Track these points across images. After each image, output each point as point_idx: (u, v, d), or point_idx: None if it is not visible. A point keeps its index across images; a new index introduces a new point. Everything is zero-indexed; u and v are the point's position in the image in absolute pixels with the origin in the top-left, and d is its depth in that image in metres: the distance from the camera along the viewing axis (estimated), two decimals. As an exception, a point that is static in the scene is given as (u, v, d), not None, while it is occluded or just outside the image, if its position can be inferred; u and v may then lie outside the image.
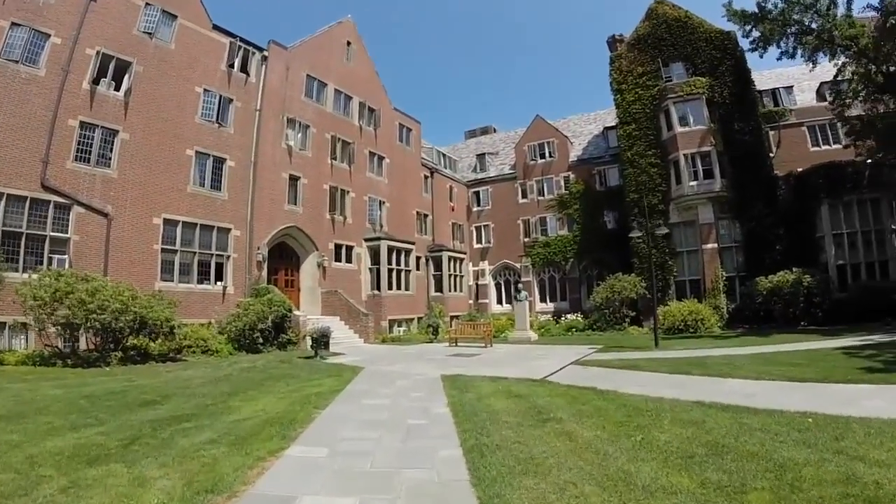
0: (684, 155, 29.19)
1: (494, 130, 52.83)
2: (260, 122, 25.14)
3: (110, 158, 19.68)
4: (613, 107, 40.77)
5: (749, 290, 25.87)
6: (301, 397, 9.63)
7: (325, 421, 7.79)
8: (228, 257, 22.95)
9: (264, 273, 24.17)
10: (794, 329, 22.59)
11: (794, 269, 24.13)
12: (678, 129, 29.66)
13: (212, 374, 13.27)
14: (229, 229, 23.16)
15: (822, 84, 31.64)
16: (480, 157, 45.46)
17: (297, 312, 22.55)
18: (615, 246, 33.25)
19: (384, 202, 32.80)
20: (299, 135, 27.32)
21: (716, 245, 28.48)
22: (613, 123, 38.11)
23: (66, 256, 17.86)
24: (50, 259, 17.39)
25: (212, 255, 22.38)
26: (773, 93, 33.01)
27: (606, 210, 35.93)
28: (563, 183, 39.20)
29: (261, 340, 19.69)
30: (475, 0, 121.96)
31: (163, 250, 20.68)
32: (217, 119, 23.46)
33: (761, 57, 28.23)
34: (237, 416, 8.17)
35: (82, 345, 16.57)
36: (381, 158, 33.21)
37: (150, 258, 20.21)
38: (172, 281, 20.77)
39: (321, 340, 16.82)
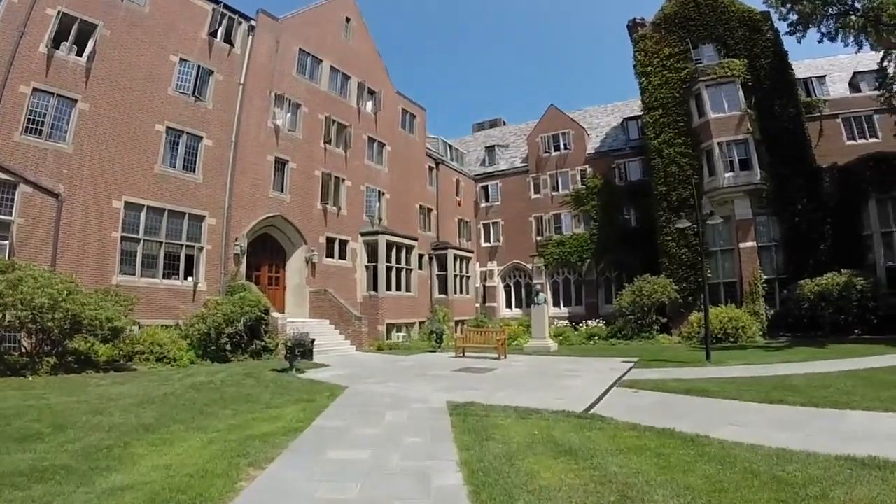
0: (718, 143, 26.21)
1: (504, 123, 49.51)
2: (243, 98, 22.13)
3: (66, 131, 16.83)
4: (631, 98, 39.07)
5: (792, 295, 22.84)
6: (239, 441, 6.51)
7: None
8: (201, 249, 19.86)
9: (243, 268, 20.99)
10: (847, 338, 19.72)
11: (842, 271, 21.39)
12: (711, 114, 26.69)
13: (150, 392, 10.28)
14: (203, 217, 20.07)
15: (855, 74, 29.94)
16: (489, 149, 42.26)
17: (275, 314, 19.23)
18: (637, 245, 30.50)
19: (384, 193, 29.60)
20: (288, 114, 24.23)
21: (754, 243, 25.41)
22: (633, 114, 35.94)
23: (7, 242, 14.97)
24: (-10, 245, 14.56)
25: (181, 245, 19.30)
26: (806, 83, 30.27)
27: (627, 206, 33.19)
28: (579, 177, 35.97)
29: (229, 347, 16.37)
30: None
31: (123, 239, 17.64)
32: (194, 92, 20.48)
33: (799, 42, 26.15)
34: (120, 478, 5.13)
35: (27, 346, 13.75)
36: (381, 145, 30.05)
37: (107, 247, 17.16)
38: (134, 275, 17.76)
39: (296, 350, 13.57)
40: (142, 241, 18.15)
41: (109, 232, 17.31)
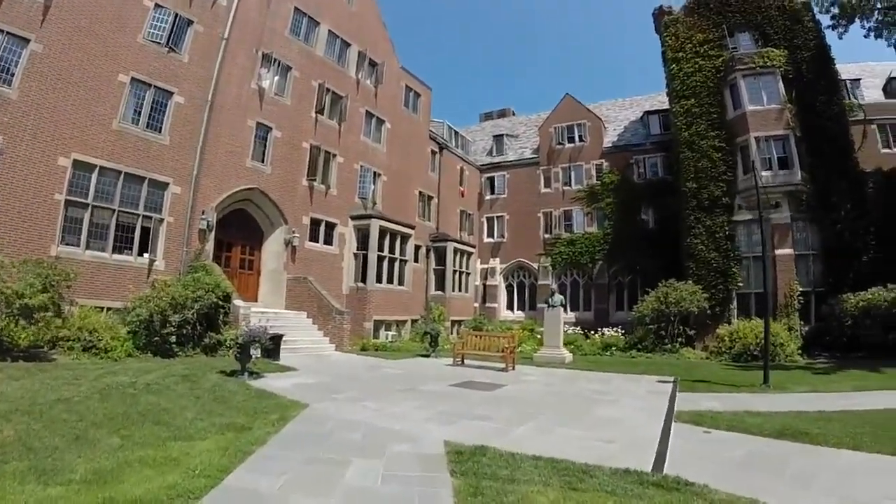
0: (756, 138, 23.52)
1: (513, 113, 46.64)
2: (225, 54, 19.24)
3: (12, 74, 14.02)
4: (651, 94, 36.69)
5: (833, 310, 20.13)
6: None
7: None
8: (161, 221, 16.94)
9: (210, 246, 18.05)
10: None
11: (889, 286, 18.74)
12: (748, 107, 24.03)
13: (39, 396, 7.50)
14: (166, 184, 17.16)
15: (890, 80, 27.66)
16: (497, 138, 39.27)
17: (239, 302, 16.27)
18: (655, 249, 27.79)
19: (380, 174, 26.70)
20: (276, 77, 21.33)
21: (791, 251, 22.73)
22: (655, 108, 33.35)
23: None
24: None
25: (138, 216, 16.36)
26: (841, 85, 27.38)
27: (645, 206, 30.45)
28: (594, 172, 33.06)
29: (174, 339, 13.40)
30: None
31: (68, 203, 14.77)
32: (168, 42, 17.61)
33: (841, 38, 23.80)
34: None
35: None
36: (380, 121, 27.13)
37: (48, 212, 14.30)
38: (78, 246, 14.88)
39: (249, 348, 10.61)
40: (90, 208, 15.24)
41: (52, 194, 14.43)
